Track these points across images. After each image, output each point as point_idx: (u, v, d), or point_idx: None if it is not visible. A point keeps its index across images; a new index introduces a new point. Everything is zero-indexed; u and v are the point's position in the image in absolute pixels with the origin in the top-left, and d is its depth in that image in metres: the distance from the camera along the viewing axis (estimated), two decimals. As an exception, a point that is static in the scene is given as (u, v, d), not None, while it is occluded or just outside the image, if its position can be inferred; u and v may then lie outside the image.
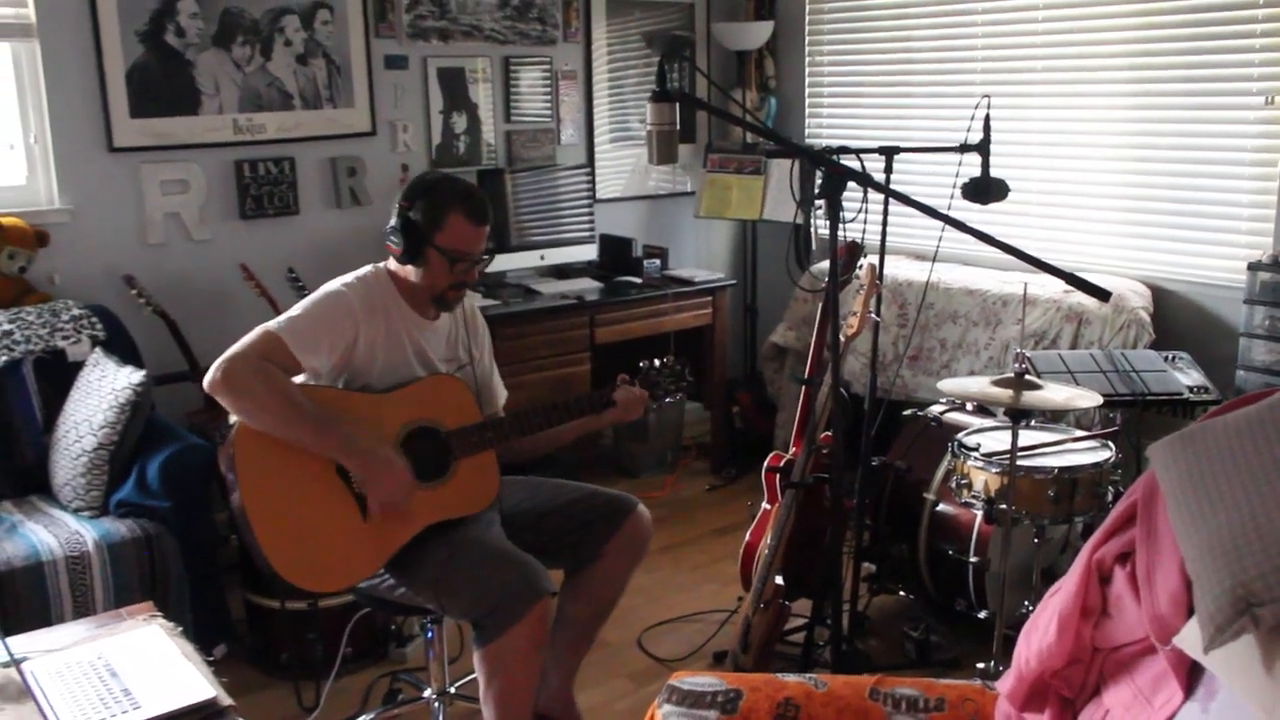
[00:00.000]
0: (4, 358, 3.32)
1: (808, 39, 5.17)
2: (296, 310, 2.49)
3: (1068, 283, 2.24)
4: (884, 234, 2.98)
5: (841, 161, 2.30)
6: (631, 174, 5.18)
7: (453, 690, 2.92)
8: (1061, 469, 2.91)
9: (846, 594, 3.06)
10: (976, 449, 3.05)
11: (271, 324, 2.44)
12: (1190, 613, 1.36)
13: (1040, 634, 1.62)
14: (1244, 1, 3.72)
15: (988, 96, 2.93)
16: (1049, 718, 1.60)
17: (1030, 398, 2.70)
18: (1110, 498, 2.94)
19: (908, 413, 3.63)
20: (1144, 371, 3.32)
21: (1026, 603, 3.09)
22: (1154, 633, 1.42)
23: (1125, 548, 1.54)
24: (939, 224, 2.29)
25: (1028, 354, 3.08)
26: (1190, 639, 1.33)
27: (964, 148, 2.92)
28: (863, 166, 2.42)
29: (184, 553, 3.11)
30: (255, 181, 4.09)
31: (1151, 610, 1.43)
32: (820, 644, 3.22)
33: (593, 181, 4.88)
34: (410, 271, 2.56)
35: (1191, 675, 1.39)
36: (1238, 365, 3.57)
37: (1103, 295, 2.24)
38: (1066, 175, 4.28)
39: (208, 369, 2.39)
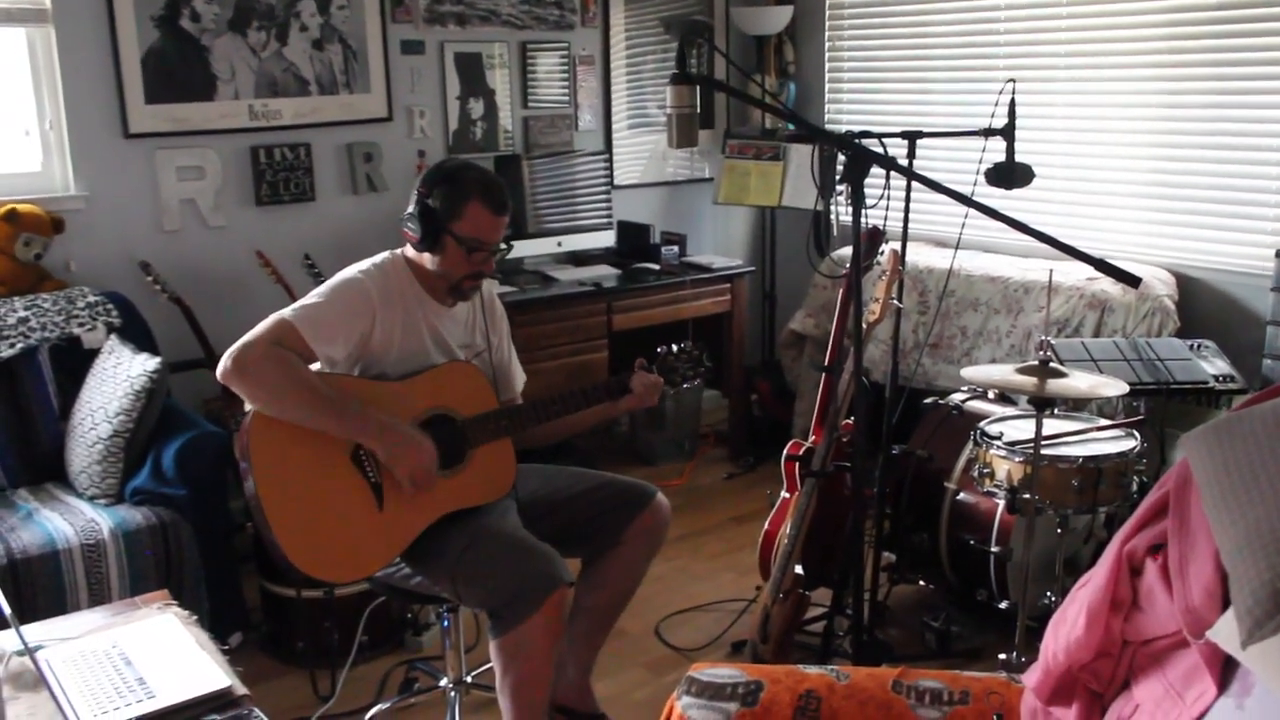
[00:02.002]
0: (20, 345, 3.31)
1: (828, 23, 5.11)
2: (312, 298, 2.46)
3: (1096, 269, 2.19)
4: (906, 220, 2.94)
5: (864, 146, 2.26)
6: (649, 160, 5.14)
7: (469, 679, 2.90)
8: (1086, 458, 2.87)
9: (866, 583, 3.03)
10: (999, 438, 3.01)
11: (286, 311, 2.41)
12: (1224, 606, 1.32)
13: (1068, 626, 1.58)
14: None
15: (1013, 80, 2.89)
16: (1076, 712, 1.57)
17: (1055, 386, 2.66)
18: (1135, 487, 2.91)
19: (928, 401, 3.59)
20: (1169, 360, 3.27)
21: (1049, 593, 3.06)
22: (1187, 626, 1.38)
23: (1157, 539, 1.51)
24: (960, 210, 2.25)
25: (1051, 341, 3.04)
26: (1225, 633, 1.29)
27: (988, 132, 2.88)
28: (885, 151, 2.39)
29: (199, 540, 3.10)
30: (271, 167, 4.07)
31: (1184, 603, 1.40)
32: (840, 634, 3.20)
33: (610, 167, 4.85)
34: (427, 259, 2.54)
35: (1225, 670, 1.35)
36: (1265, 354, 3.51)
37: (1133, 281, 2.19)
38: (1091, 160, 4.22)
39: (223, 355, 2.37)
